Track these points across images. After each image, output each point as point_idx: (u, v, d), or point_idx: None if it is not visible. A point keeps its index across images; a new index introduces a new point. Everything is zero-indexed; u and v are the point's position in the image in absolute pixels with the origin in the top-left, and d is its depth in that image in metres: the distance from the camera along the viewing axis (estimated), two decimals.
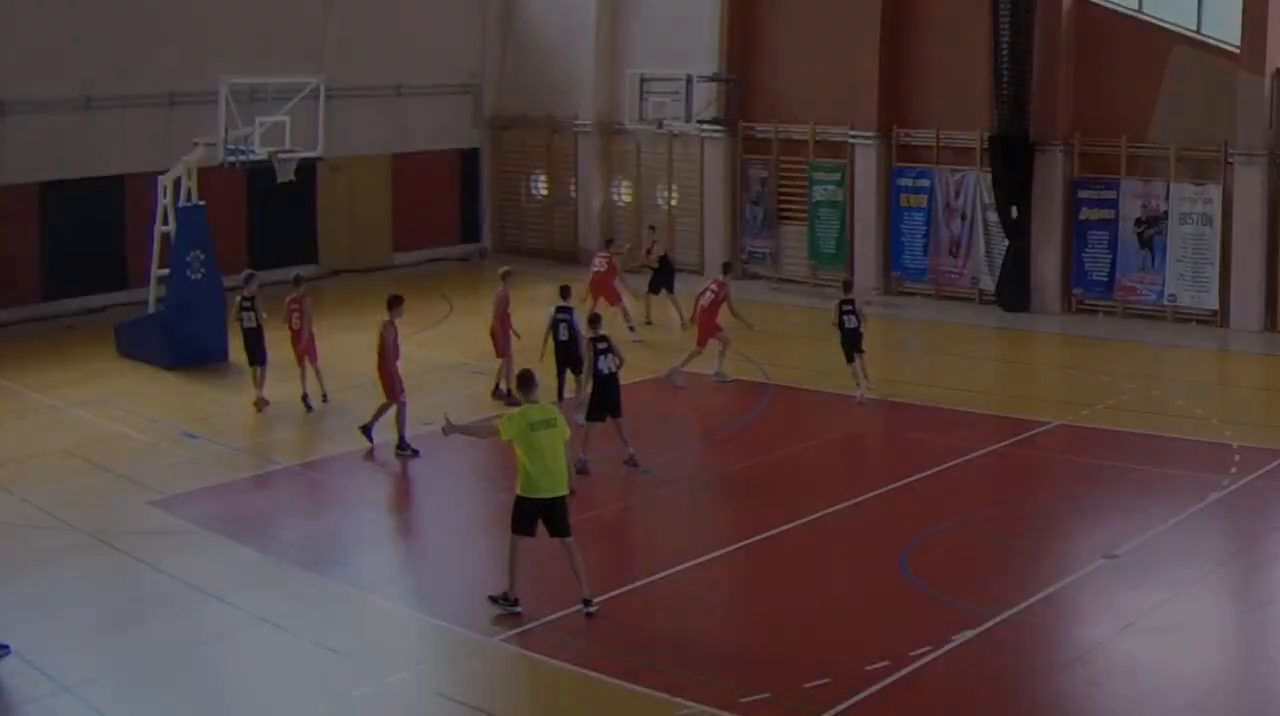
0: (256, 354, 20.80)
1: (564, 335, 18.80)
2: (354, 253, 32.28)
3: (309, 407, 20.71)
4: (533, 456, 12.76)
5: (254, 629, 12.93)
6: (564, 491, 12.95)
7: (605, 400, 17.24)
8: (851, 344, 20.79)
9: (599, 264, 25.51)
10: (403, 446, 18.30)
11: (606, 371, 17.18)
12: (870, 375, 21.01)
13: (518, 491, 12.97)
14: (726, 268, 23.78)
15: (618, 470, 17.50)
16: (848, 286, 21.71)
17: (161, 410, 20.64)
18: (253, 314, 20.70)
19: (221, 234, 25.03)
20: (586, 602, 13.05)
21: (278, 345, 20.94)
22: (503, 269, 21.69)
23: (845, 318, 20.79)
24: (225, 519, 16.03)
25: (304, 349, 20.81)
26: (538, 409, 13.00)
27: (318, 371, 20.86)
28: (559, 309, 19.07)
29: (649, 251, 27.00)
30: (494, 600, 13.12)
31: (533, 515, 12.92)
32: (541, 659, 12.31)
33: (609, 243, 27.36)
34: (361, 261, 32.23)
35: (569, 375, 18.94)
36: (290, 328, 20.79)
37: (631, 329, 24.67)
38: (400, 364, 18.56)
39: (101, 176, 27.31)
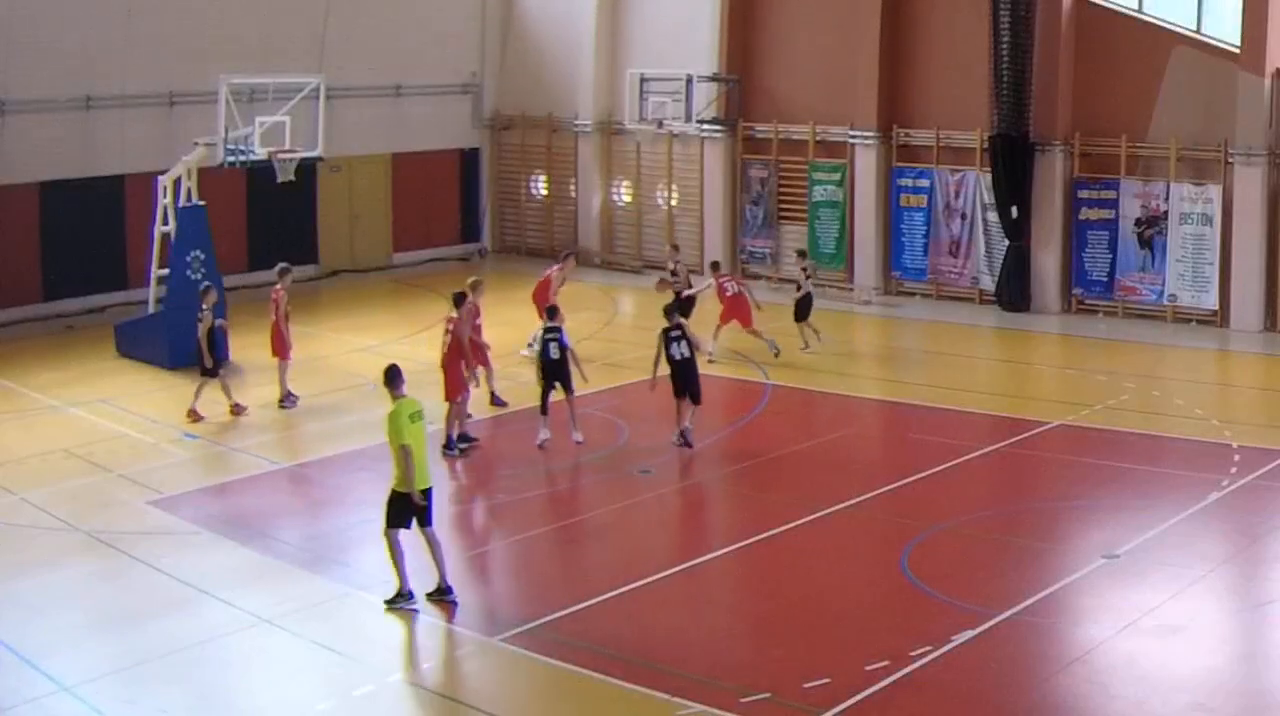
0: (203, 366, 20.23)
1: (554, 353, 18.65)
2: (354, 253, 32.30)
3: (286, 401, 20.75)
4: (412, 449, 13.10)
5: (254, 629, 12.92)
6: (430, 482, 13.33)
7: (679, 381, 18.46)
8: (806, 307, 23.92)
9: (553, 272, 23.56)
10: (450, 447, 18.19)
11: (679, 357, 18.36)
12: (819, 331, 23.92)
13: (396, 487, 13.19)
14: (715, 265, 24.62)
15: (618, 470, 17.55)
16: (804, 255, 25.60)
17: (161, 410, 20.60)
18: (201, 326, 20.19)
19: (221, 234, 25.03)
20: (448, 591, 13.39)
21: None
22: (471, 279, 20.14)
23: (807, 282, 24.19)
24: (225, 519, 16.02)
25: (275, 344, 20.68)
26: (408, 402, 13.39)
27: (285, 368, 20.69)
28: (547, 328, 18.89)
29: (674, 273, 24.53)
30: (390, 603, 13.24)
31: (409, 509, 13.20)
32: (541, 659, 12.30)
33: (566, 255, 24.88)
34: (361, 261, 32.26)
35: (558, 387, 18.84)
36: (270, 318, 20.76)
37: (530, 346, 22.47)
38: (464, 362, 18.69)
39: (101, 176, 27.29)
